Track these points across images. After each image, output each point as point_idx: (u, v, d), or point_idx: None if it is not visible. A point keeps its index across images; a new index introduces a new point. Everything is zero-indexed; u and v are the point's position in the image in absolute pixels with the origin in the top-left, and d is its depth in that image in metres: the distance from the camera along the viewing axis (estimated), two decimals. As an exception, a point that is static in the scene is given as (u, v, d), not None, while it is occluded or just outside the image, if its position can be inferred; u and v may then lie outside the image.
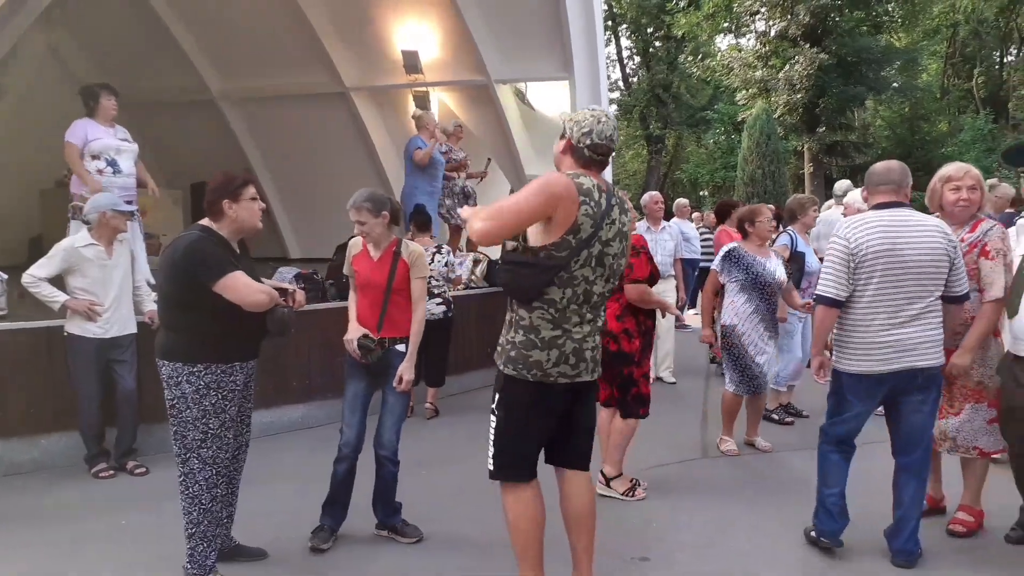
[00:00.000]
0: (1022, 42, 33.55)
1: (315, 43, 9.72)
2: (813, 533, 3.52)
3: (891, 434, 3.41)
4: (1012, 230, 3.75)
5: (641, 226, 7.19)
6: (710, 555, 3.53)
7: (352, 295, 3.75)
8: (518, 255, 2.72)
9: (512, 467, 2.78)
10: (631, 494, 4.21)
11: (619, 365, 4.07)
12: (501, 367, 2.78)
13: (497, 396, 2.80)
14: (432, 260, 5.75)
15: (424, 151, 7.52)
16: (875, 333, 3.20)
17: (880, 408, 3.46)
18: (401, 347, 3.62)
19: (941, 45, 30.53)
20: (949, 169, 3.59)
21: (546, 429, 2.80)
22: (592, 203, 2.66)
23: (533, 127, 10.27)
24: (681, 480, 4.56)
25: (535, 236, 2.69)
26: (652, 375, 5.99)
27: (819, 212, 6.12)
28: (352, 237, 3.74)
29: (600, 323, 2.85)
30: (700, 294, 8.01)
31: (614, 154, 2.90)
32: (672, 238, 7.42)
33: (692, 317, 10.66)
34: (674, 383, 7.22)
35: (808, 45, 22.01)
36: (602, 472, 4.23)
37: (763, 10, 23.51)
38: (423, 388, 5.98)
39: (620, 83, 36.02)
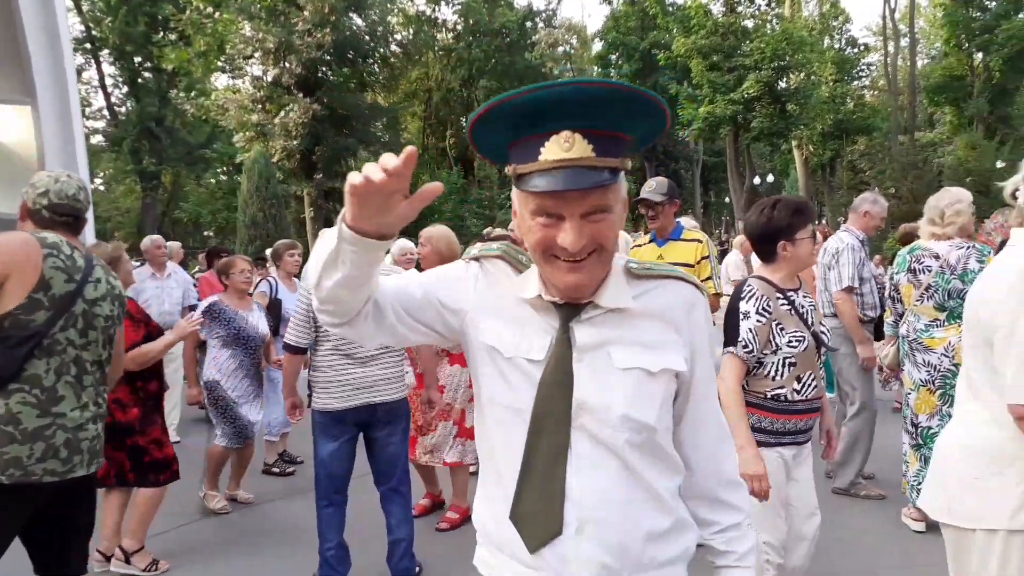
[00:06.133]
0: (479, 109, 40.83)
1: None
2: None
3: (372, 467, 3.62)
4: None
5: (144, 272, 6.58)
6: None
7: None
8: None
9: None
10: (153, 568, 3.83)
11: (121, 437, 3.72)
12: None
13: None
14: None
15: None
16: (337, 372, 3.44)
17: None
18: None
19: (420, 107, 34.94)
20: None
21: (13, 535, 2.39)
22: (62, 256, 2.41)
23: (-14, 155, 8.57)
24: (183, 545, 4.23)
25: None
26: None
27: (299, 257, 5.91)
28: None
29: (102, 409, 2.57)
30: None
31: (87, 210, 2.62)
32: (180, 285, 6.92)
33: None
34: (179, 441, 6.69)
35: (302, 95, 23.03)
36: (120, 548, 3.81)
37: (257, 55, 23.83)
38: None
39: (105, 112, 32.70)
